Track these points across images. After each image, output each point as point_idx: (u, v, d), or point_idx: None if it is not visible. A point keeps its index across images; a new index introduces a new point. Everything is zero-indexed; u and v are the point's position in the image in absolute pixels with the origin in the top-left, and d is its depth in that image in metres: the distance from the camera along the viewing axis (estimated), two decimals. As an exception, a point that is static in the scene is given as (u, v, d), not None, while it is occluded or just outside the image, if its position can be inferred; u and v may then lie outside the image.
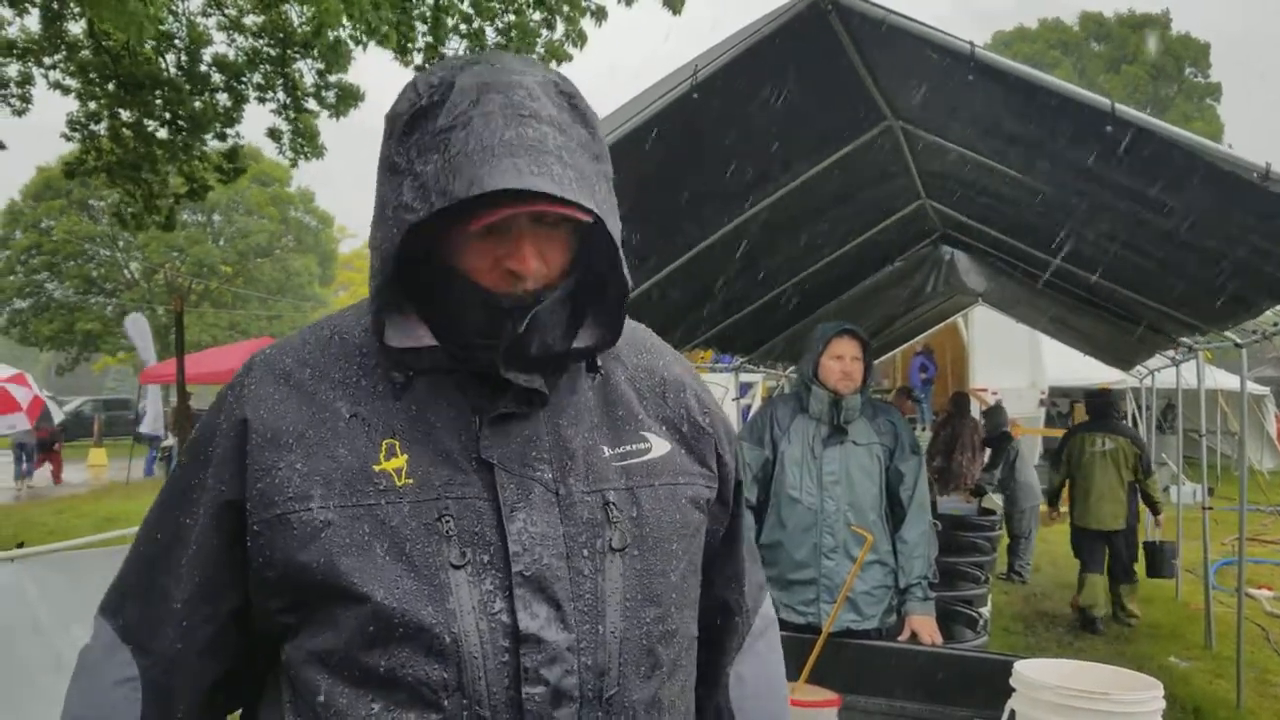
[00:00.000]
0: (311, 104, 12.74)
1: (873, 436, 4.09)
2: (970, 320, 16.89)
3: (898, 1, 3.20)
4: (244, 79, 12.34)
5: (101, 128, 12.54)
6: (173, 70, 12.10)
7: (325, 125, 12.98)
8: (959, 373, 19.04)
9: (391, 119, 1.16)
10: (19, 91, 12.40)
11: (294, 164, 13.44)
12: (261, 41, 12.18)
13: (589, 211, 1.12)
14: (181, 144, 12.15)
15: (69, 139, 12.75)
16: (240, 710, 1.28)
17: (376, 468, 1.14)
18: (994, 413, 11.87)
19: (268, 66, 12.33)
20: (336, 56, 11.36)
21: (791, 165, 4.80)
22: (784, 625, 2.48)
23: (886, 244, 7.32)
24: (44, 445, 22.32)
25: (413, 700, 1.09)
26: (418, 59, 11.61)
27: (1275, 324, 6.10)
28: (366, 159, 1.21)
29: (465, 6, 11.19)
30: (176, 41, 12.07)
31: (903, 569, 3.98)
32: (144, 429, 22.62)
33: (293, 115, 12.70)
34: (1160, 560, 8.64)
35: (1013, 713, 2.18)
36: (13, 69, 12.22)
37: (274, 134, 12.84)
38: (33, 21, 11.75)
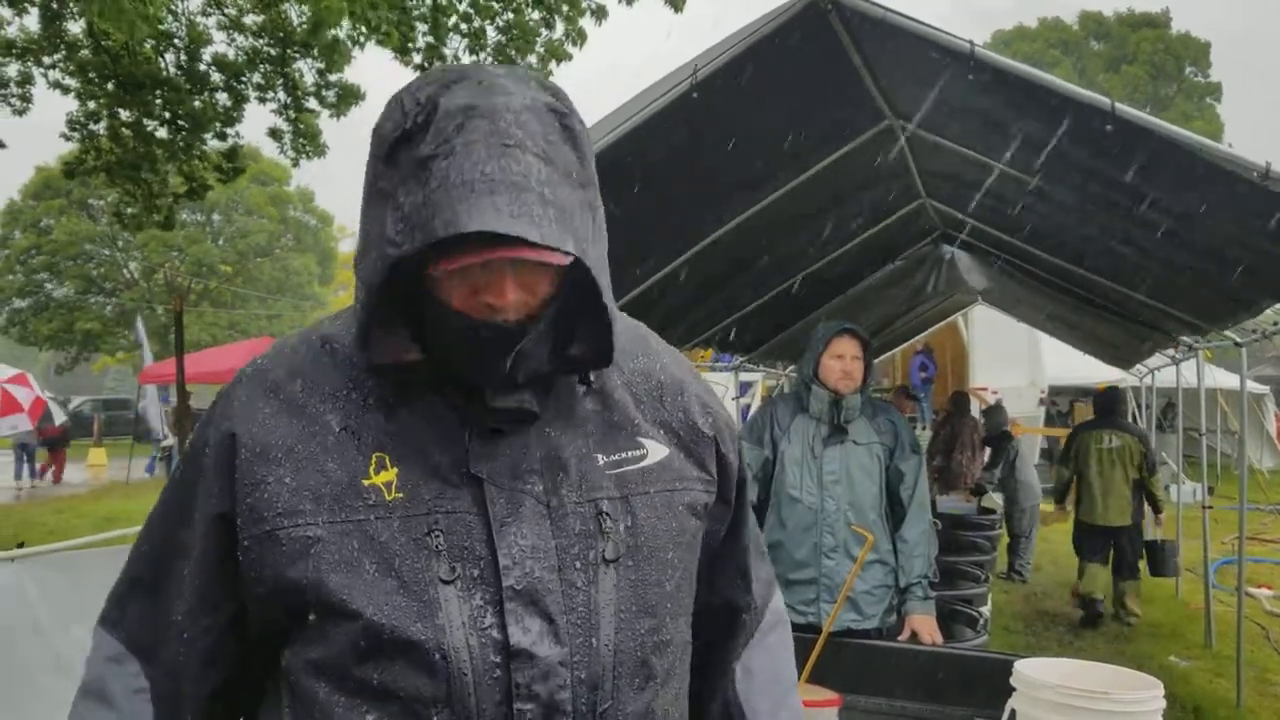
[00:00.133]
0: (312, 103, 12.74)
1: (873, 436, 4.09)
2: (970, 319, 16.88)
3: (898, 1, 3.20)
4: (244, 78, 12.34)
5: (101, 127, 12.55)
6: (172, 70, 12.10)
7: (324, 123, 12.92)
8: (959, 372, 19.04)
9: (377, 139, 1.13)
10: (19, 91, 12.41)
11: (295, 163, 13.45)
12: (261, 41, 12.18)
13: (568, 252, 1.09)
14: (181, 144, 12.15)
15: (68, 139, 12.76)
16: (240, 717, 1.28)
17: (366, 482, 1.13)
18: (994, 412, 11.87)
19: (268, 66, 12.32)
20: (335, 55, 11.36)
21: (791, 164, 4.79)
22: (784, 625, 2.47)
23: (886, 243, 7.32)
24: (53, 444, 22.36)
25: (405, 713, 1.10)
26: (417, 59, 11.61)
27: (1275, 323, 6.10)
28: (366, 158, 1.19)
29: (464, 6, 11.18)
30: (176, 41, 12.07)
31: (903, 568, 3.98)
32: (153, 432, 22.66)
33: (293, 115, 12.70)
34: (1162, 559, 8.65)
35: (1013, 712, 2.18)
36: (12, 68, 12.23)
37: (275, 133, 12.85)
38: (32, 21, 11.77)
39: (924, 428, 16.52)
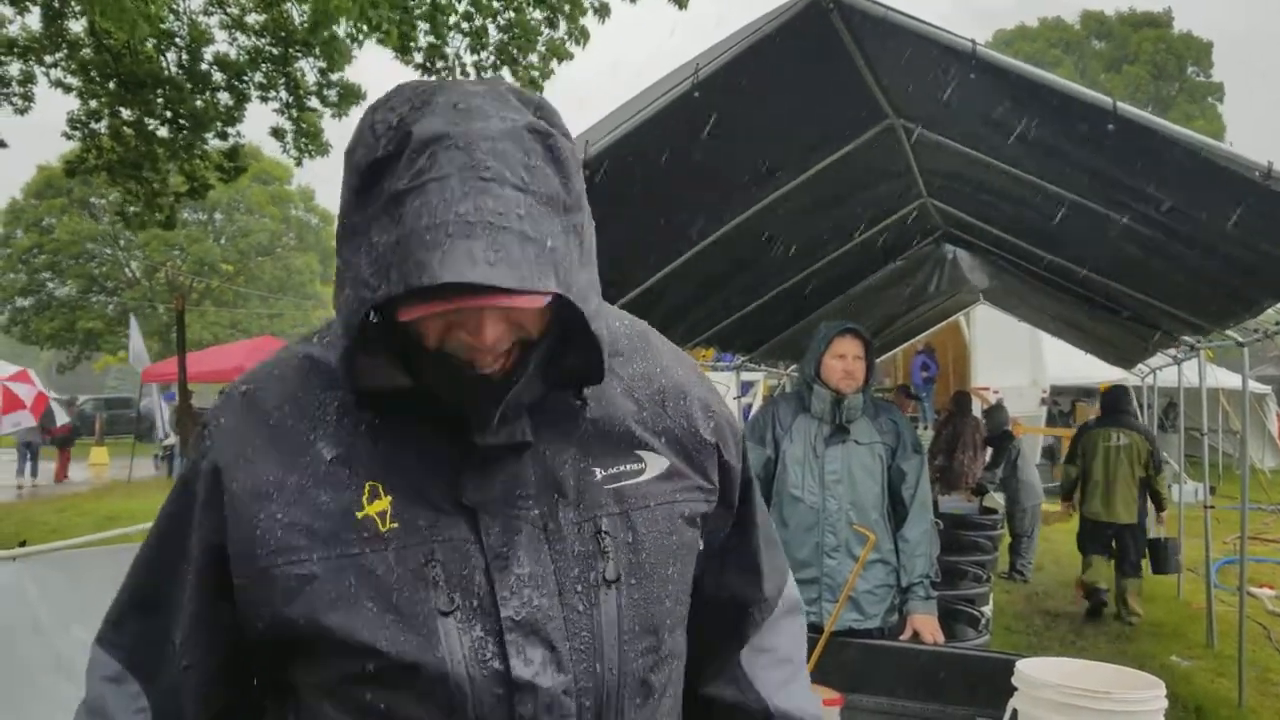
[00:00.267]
0: (314, 103, 12.75)
1: (875, 435, 4.09)
2: (972, 319, 16.88)
3: (899, 0, 3.20)
4: (246, 78, 12.35)
5: (102, 126, 12.56)
6: (174, 69, 12.11)
7: (326, 122, 12.94)
8: (960, 372, 19.04)
9: (349, 166, 1.08)
10: (20, 90, 12.44)
11: (299, 162, 13.46)
12: (263, 40, 12.19)
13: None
14: (182, 143, 12.16)
15: (69, 137, 12.78)
16: None
17: (360, 514, 1.10)
18: (995, 411, 11.88)
19: (269, 65, 12.34)
20: (336, 54, 11.37)
21: (793, 163, 4.79)
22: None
23: (888, 243, 7.32)
24: (62, 442, 22.39)
25: None
26: (418, 57, 11.61)
27: (1277, 323, 6.10)
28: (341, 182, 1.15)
29: (465, 5, 11.18)
30: (178, 40, 12.09)
31: (904, 568, 3.98)
32: (159, 431, 22.68)
33: (295, 114, 12.71)
34: (1164, 557, 8.67)
35: (1015, 712, 2.18)
36: (14, 67, 12.25)
37: (278, 133, 12.86)
38: (34, 20, 11.79)
39: (925, 427, 16.52)
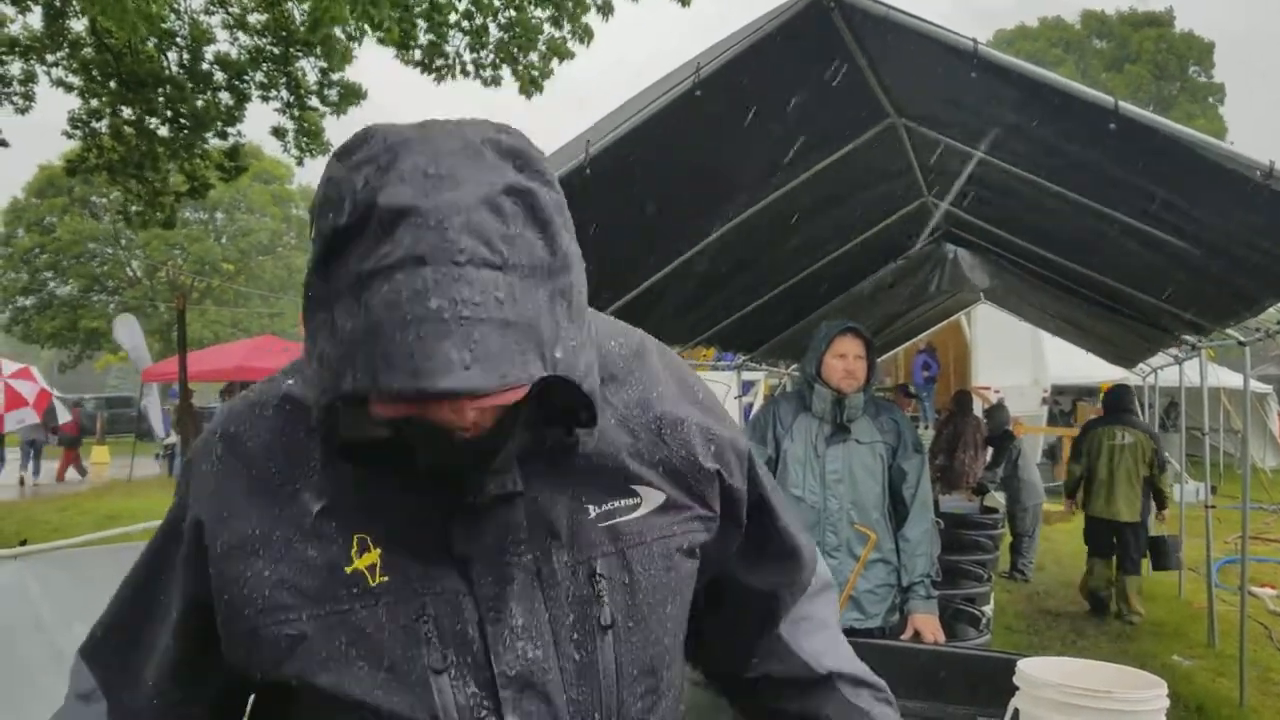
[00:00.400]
0: (314, 102, 12.76)
1: (875, 435, 4.09)
2: (973, 318, 16.89)
3: (900, 0, 3.20)
4: (246, 77, 12.36)
5: (103, 125, 12.57)
6: (175, 68, 12.12)
7: (326, 120, 12.94)
8: (961, 371, 19.05)
9: (314, 227, 0.98)
10: (22, 89, 12.45)
11: (300, 162, 13.47)
12: (264, 40, 12.19)
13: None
14: (183, 142, 12.17)
15: (70, 136, 12.79)
16: None
17: (349, 569, 1.06)
18: (996, 411, 11.87)
19: (270, 64, 12.34)
20: (335, 53, 11.37)
21: (794, 162, 4.79)
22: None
23: (889, 242, 7.32)
24: (69, 442, 22.41)
25: None
26: (418, 55, 11.61)
27: (1278, 322, 6.09)
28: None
29: (465, 4, 11.18)
30: (179, 39, 12.09)
31: (905, 567, 3.98)
32: (157, 431, 22.69)
33: (296, 113, 12.72)
34: (1165, 553, 8.71)
35: (1016, 711, 2.17)
36: (15, 67, 12.26)
37: (278, 132, 12.87)
38: (35, 19, 11.80)
39: (926, 427, 16.52)
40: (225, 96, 12.46)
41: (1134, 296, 6.53)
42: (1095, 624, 8.57)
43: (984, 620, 4.43)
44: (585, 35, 11.70)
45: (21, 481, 20.54)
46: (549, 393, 1.00)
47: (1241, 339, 6.35)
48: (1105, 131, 3.25)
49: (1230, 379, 14.50)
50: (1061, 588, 10.05)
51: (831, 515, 3.96)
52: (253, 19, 12.20)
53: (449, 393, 0.89)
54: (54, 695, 1.26)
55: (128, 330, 22.60)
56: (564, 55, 11.90)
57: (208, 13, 12.24)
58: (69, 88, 12.30)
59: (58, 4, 11.31)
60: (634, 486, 1.17)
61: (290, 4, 11.75)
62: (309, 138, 13.02)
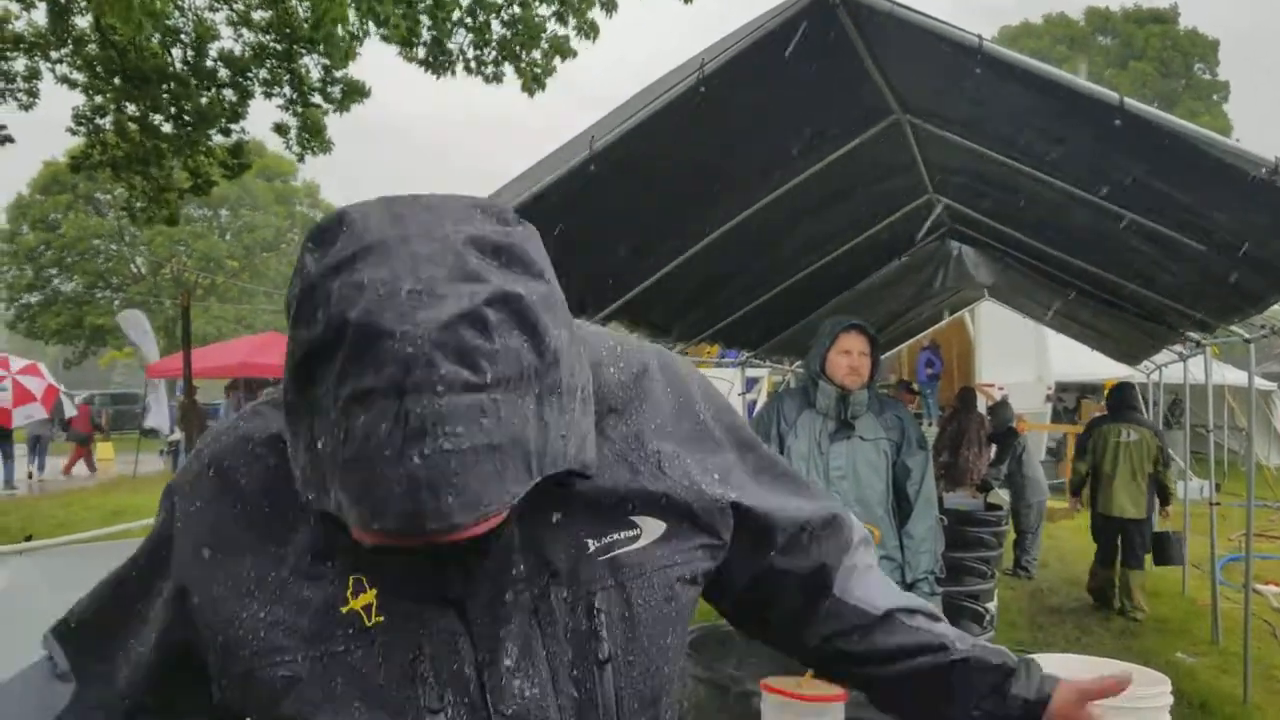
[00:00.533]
0: (317, 99, 12.77)
1: (879, 432, 4.09)
2: (977, 315, 16.87)
3: (904, -4, 3.20)
4: (250, 74, 12.37)
5: (107, 122, 12.58)
6: (179, 65, 12.13)
7: (328, 117, 12.96)
8: (965, 368, 19.03)
9: (290, 336, 0.92)
10: (26, 86, 12.46)
11: (301, 158, 13.48)
12: (268, 36, 12.20)
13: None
14: (187, 138, 12.18)
15: (75, 133, 12.80)
16: None
17: (345, 609, 1.04)
18: (1000, 408, 11.87)
19: (274, 61, 12.35)
20: (338, 50, 11.38)
21: (798, 159, 4.79)
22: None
23: (893, 238, 7.31)
24: (82, 439, 22.48)
25: None
26: (421, 53, 11.62)
27: (1283, 319, 6.08)
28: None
29: (469, 1, 11.20)
30: (183, 36, 12.10)
31: (909, 564, 3.98)
32: (150, 423, 22.70)
33: (299, 110, 12.73)
34: (1168, 548, 8.75)
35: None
36: (19, 63, 12.29)
37: (281, 129, 12.87)
38: (40, 15, 11.81)
39: (930, 424, 16.52)
40: (229, 93, 12.47)
41: (1138, 293, 6.53)
42: (1099, 621, 8.57)
43: (988, 617, 4.43)
44: (591, 31, 11.69)
45: (30, 475, 20.60)
46: None
47: (1246, 336, 6.33)
48: (1110, 128, 3.25)
49: (1235, 376, 14.48)
50: (1065, 585, 10.05)
51: (835, 512, 3.96)
52: (256, 15, 12.21)
53: (425, 533, 0.87)
54: (58, 689, 1.25)
55: (135, 325, 22.65)
56: (566, 53, 11.90)
57: (212, 9, 12.26)
58: (73, 84, 12.31)
59: (62, 0, 11.32)
60: (633, 518, 1.14)
61: (294, 1, 11.76)
62: (310, 134, 13.03)
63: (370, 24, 10.87)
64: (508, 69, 12.01)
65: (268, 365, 19.51)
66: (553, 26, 11.72)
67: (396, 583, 1.05)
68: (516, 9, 11.51)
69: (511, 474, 0.88)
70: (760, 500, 1.26)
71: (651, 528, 1.15)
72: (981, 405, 12.78)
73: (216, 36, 12.37)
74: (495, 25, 11.65)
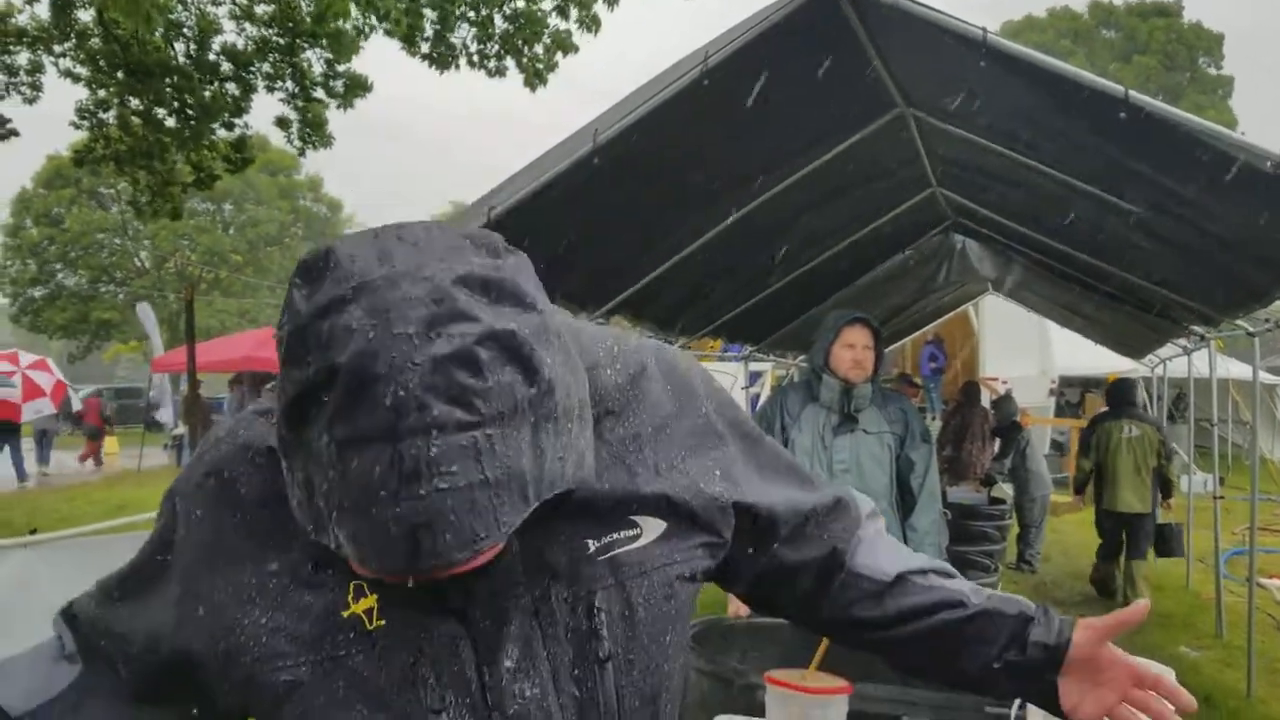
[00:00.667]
0: (320, 93, 12.76)
1: (883, 425, 4.08)
2: (980, 309, 16.85)
3: (908, -12, 3.19)
4: (253, 68, 12.36)
5: (110, 116, 12.58)
6: (182, 59, 12.12)
7: (331, 112, 12.95)
8: (969, 362, 19.01)
9: (280, 374, 0.93)
10: (29, 80, 12.46)
11: (302, 153, 13.47)
12: (271, 31, 12.19)
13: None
14: (190, 132, 12.18)
15: (78, 127, 12.80)
16: None
17: (346, 613, 1.05)
18: (1004, 402, 11.86)
19: (276, 55, 12.34)
20: (342, 45, 11.38)
21: (802, 152, 4.78)
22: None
23: (897, 232, 7.31)
24: (94, 433, 22.53)
25: None
26: (425, 47, 11.62)
27: (1288, 312, 6.07)
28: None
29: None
30: (186, 30, 12.10)
31: (913, 557, 3.98)
32: (161, 418, 22.78)
33: (301, 104, 12.72)
34: (1169, 541, 8.82)
35: (1023, 700, 2.17)
36: (23, 57, 12.29)
37: (282, 123, 12.87)
38: (43, 9, 11.81)
39: (934, 418, 16.51)
40: (231, 87, 12.47)
41: (1142, 287, 6.52)
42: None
43: (991, 610, 4.42)
44: (592, 24, 11.69)
45: (44, 472, 20.69)
46: None
47: (1251, 330, 6.32)
48: (1115, 121, 3.24)
49: (1239, 370, 14.46)
50: (1068, 578, 10.05)
51: (839, 505, 3.96)
52: (259, 10, 12.20)
53: (422, 570, 0.89)
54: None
55: (146, 318, 22.76)
56: (568, 48, 11.90)
57: (214, 3, 12.25)
58: (76, 78, 12.30)
59: (65, -6, 11.34)
60: (633, 518, 1.14)
61: (296, -6, 11.77)
62: (312, 129, 13.02)
63: (373, 18, 10.87)
64: (510, 63, 12.01)
65: (271, 359, 19.14)
66: (555, 21, 11.72)
67: (397, 588, 1.03)
68: (519, 3, 11.50)
69: (508, 506, 0.89)
70: (763, 495, 1.26)
71: (652, 527, 1.15)
72: (985, 399, 12.77)
73: (219, 30, 12.36)
74: (498, 20, 11.65)
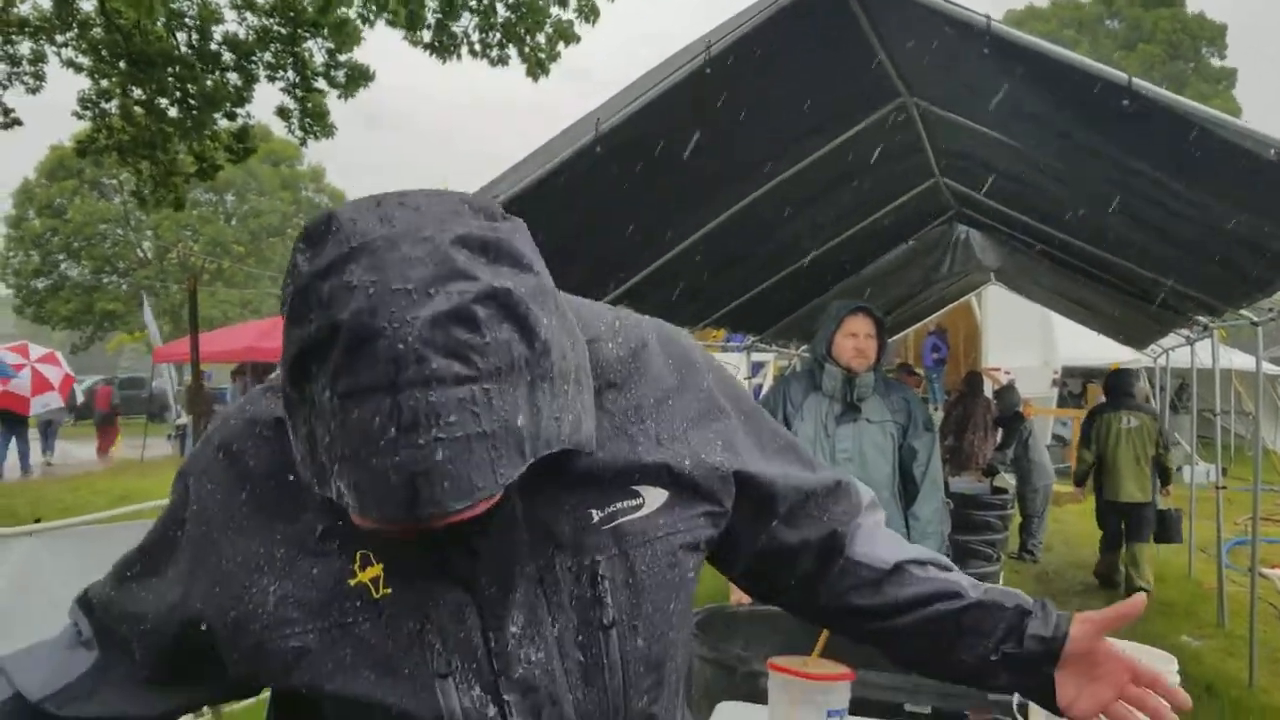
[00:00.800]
0: (321, 83, 12.75)
1: (886, 414, 4.08)
2: (983, 299, 16.83)
3: (912, -24, 3.18)
4: (254, 58, 12.34)
5: (113, 105, 12.57)
6: (184, 49, 12.11)
7: (332, 102, 12.97)
8: (971, 352, 18.99)
9: (285, 334, 0.96)
10: (32, 69, 12.45)
11: (303, 143, 13.46)
12: (272, 20, 12.18)
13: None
14: (193, 122, 12.17)
15: (81, 117, 12.79)
16: None
17: (352, 582, 1.07)
18: (1006, 392, 11.85)
19: (278, 45, 12.33)
20: (344, 36, 11.37)
21: (805, 142, 4.77)
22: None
23: (900, 222, 7.29)
24: (106, 420, 22.56)
25: None
26: (427, 36, 11.60)
27: (1291, 302, 6.06)
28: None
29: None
30: (188, 19, 12.08)
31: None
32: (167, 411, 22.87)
33: (302, 94, 12.71)
34: (1169, 527, 8.90)
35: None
36: (25, 47, 12.28)
37: (283, 113, 12.85)
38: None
39: (936, 408, 16.51)
40: (233, 77, 12.46)
41: (1145, 276, 6.51)
42: (1105, 604, 8.46)
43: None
44: (591, 14, 11.69)
45: (49, 463, 20.75)
46: None
47: (1254, 319, 6.32)
48: (1118, 109, 3.23)
49: (1242, 360, 14.45)
50: (1070, 568, 10.06)
51: (841, 494, 3.96)
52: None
53: (420, 518, 0.90)
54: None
55: (146, 310, 22.79)
56: (570, 38, 11.90)
57: (217, -7, 12.25)
58: (78, 68, 12.30)
59: (67, -16, 11.32)
60: (635, 488, 1.16)
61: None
62: (314, 119, 13.00)
63: (374, 7, 10.86)
64: (512, 52, 11.99)
65: (274, 350, 19.46)
66: (556, 11, 11.71)
67: (403, 557, 1.07)
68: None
69: (504, 459, 0.91)
70: (763, 468, 1.28)
71: (654, 497, 1.16)
72: (988, 389, 12.76)
73: (220, 20, 12.34)
74: (500, 9, 11.63)
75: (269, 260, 43.31)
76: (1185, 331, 8.55)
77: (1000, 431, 11.14)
